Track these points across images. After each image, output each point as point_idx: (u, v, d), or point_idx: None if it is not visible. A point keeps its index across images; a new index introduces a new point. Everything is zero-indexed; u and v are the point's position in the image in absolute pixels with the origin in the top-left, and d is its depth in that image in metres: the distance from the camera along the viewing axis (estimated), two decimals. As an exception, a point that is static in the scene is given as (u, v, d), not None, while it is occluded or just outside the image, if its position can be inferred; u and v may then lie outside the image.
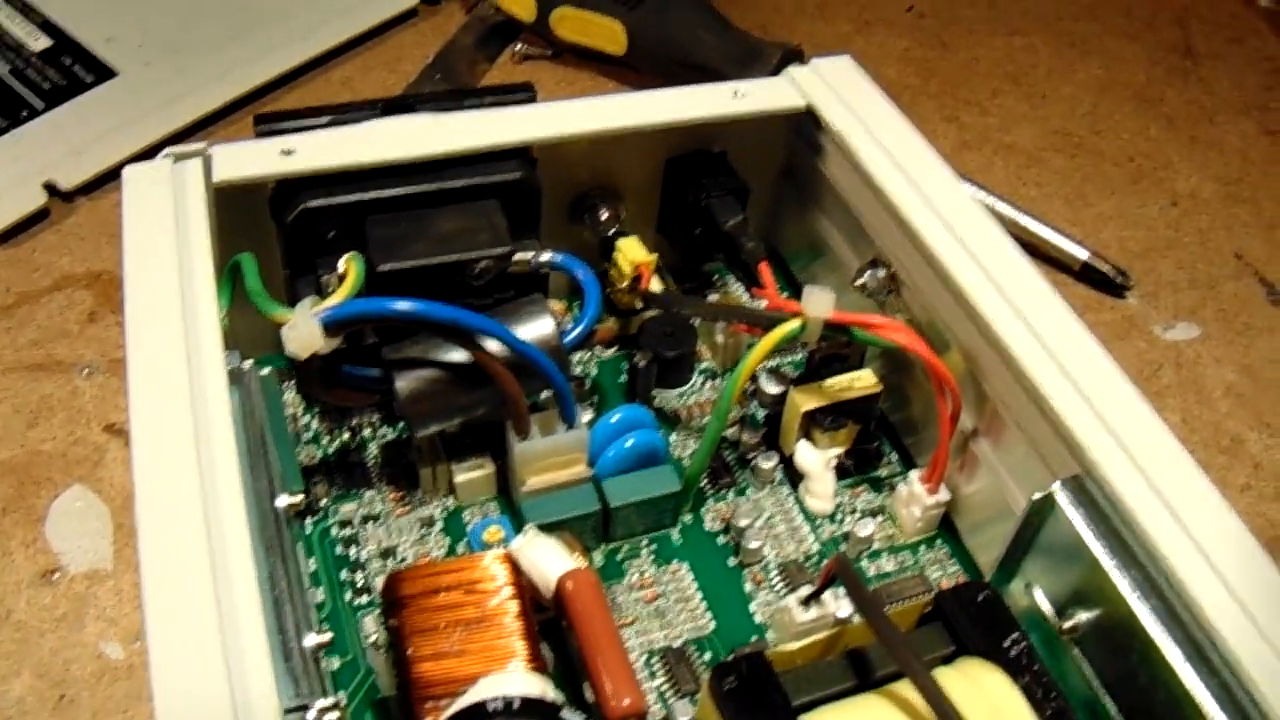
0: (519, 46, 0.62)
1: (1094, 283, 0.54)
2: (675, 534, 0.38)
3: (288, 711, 0.25)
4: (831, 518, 0.39)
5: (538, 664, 0.30)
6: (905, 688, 0.29)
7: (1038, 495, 0.32)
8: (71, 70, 0.57)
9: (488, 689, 0.29)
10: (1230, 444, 0.48)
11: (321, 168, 0.37)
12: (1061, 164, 0.60)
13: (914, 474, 0.38)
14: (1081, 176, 0.60)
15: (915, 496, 0.38)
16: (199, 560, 0.27)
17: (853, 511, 0.39)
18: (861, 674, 0.30)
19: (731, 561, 0.38)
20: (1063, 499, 0.32)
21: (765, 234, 0.46)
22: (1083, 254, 0.52)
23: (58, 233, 0.51)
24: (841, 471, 0.40)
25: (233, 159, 0.37)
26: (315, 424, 0.41)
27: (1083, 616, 0.32)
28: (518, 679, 0.29)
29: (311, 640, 0.29)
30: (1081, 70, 0.67)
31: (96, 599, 0.39)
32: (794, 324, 0.36)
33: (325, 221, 0.37)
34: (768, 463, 0.40)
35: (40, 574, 0.39)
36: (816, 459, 0.39)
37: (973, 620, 0.31)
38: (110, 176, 0.52)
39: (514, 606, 0.31)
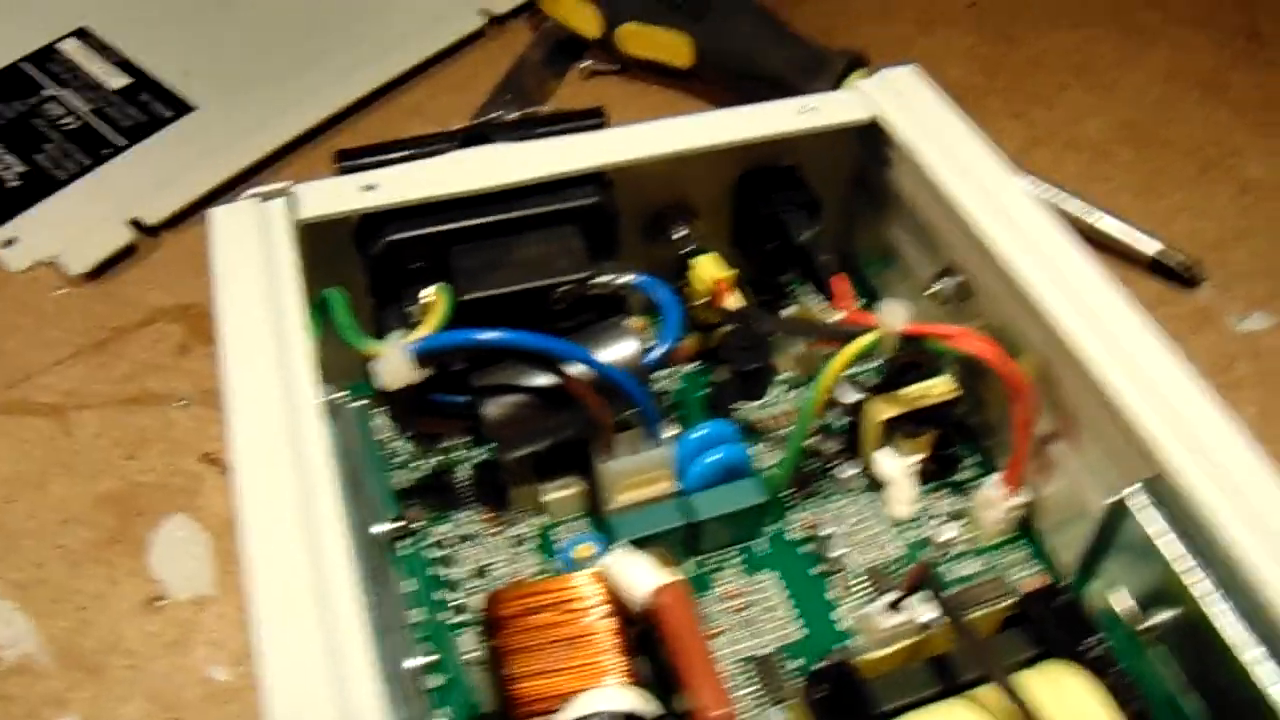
0: (586, 63, 0.62)
1: (1165, 275, 0.53)
2: (761, 545, 0.39)
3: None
4: (914, 523, 0.40)
5: (633, 678, 0.31)
6: (989, 692, 0.29)
7: (1111, 499, 0.32)
8: (150, 107, 0.58)
9: (586, 705, 0.30)
10: (1311, 435, 0.48)
11: (403, 201, 0.38)
12: (1130, 156, 0.60)
13: (993, 477, 0.39)
14: (1150, 168, 0.59)
15: (995, 500, 0.39)
16: (303, 588, 0.28)
17: (934, 516, 0.40)
18: (946, 679, 0.30)
19: (815, 570, 0.38)
20: (1135, 503, 0.32)
21: (839, 243, 0.46)
22: (1153, 247, 0.52)
23: (145, 267, 0.53)
24: (923, 477, 0.40)
25: (317, 197, 0.38)
26: (408, 449, 0.42)
27: (1161, 617, 0.32)
28: (614, 694, 0.30)
29: (415, 662, 0.30)
30: (1147, 59, 0.67)
31: (202, 624, 0.40)
32: (870, 337, 0.36)
33: (409, 253, 0.38)
34: (848, 471, 0.40)
35: (146, 601, 0.41)
36: (897, 466, 0.39)
37: (1054, 623, 0.32)
38: (193, 210, 0.53)
39: (608, 624, 0.32)
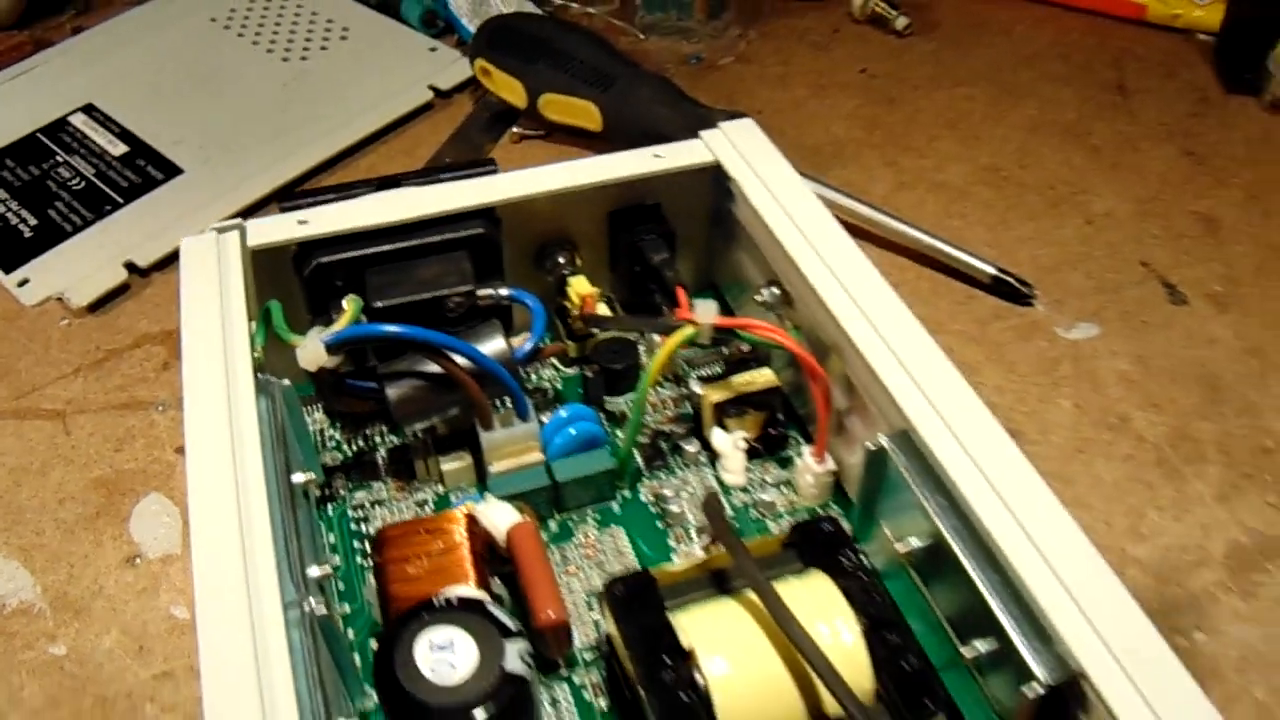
0: (516, 129, 0.73)
1: (1003, 294, 0.62)
2: (615, 506, 0.48)
3: (287, 605, 0.35)
4: (744, 489, 0.49)
5: (482, 586, 0.40)
6: (752, 594, 0.38)
7: (872, 446, 0.41)
8: (145, 170, 0.69)
9: (442, 594, 0.39)
10: (1117, 422, 0.57)
11: (329, 232, 0.48)
12: (988, 196, 0.69)
13: (806, 449, 0.48)
14: (1005, 205, 0.69)
15: (808, 467, 0.47)
16: (230, 516, 0.37)
17: (761, 483, 0.49)
18: (721, 584, 0.39)
19: (660, 524, 0.47)
20: (890, 448, 0.41)
21: (703, 272, 0.56)
22: (990, 269, 0.61)
23: (137, 301, 0.63)
24: (753, 452, 0.49)
25: (261, 229, 0.48)
26: (338, 435, 0.51)
27: (914, 544, 0.41)
28: (461, 589, 0.39)
29: (315, 571, 0.39)
30: (1015, 113, 0.76)
31: (169, 576, 0.50)
32: (688, 330, 0.45)
33: (334, 273, 0.48)
34: (691, 447, 0.49)
35: (125, 559, 0.50)
36: (727, 441, 0.48)
37: (818, 545, 0.40)
38: (178, 255, 0.63)
39: (468, 547, 0.41)
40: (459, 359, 0.45)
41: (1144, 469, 0.55)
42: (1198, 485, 0.54)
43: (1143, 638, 0.34)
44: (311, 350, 0.43)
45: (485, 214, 0.50)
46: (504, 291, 0.48)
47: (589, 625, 0.44)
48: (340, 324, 0.45)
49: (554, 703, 0.41)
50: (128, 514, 0.52)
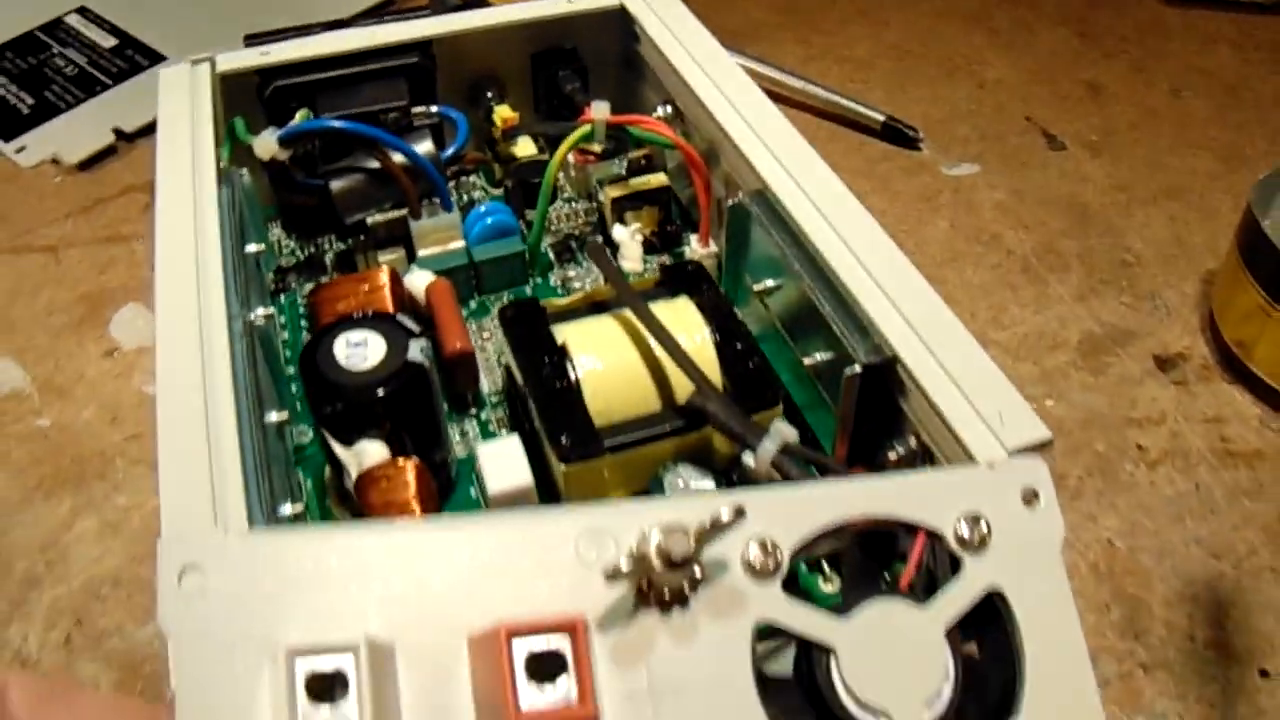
0: None
1: (894, 140, 0.70)
2: (528, 289, 0.55)
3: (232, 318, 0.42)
4: (641, 274, 0.56)
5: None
6: (626, 313, 0.45)
7: (732, 202, 0.48)
8: (133, 59, 0.77)
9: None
10: (989, 238, 0.64)
11: (286, 59, 0.55)
12: (889, 67, 0.76)
13: (694, 237, 0.55)
14: (904, 75, 0.76)
15: (695, 250, 0.55)
16: (188, 261, 0.43)
17: (656, 270, 0.56)
18: (600, 308, 0.47)
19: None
20: (747, 202, 0.48)
21: (618, 107, 0.63)
22: (880, 116, 0.68)
23: (123, 161, 0.71)
24: (650, 246, 0.56)
25: (229, 59, 0.55)
26: (293, 243, 0.59)
27: (769, 283, 0.48)
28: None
29: (260, 310, 0.46)
30: (924, 2, 0.83)
31: (141, 364, 0.57)
32: (585, 128, 0.53)
33: (290, 96, 0.55)
34: (596, 239, 0.57)
35: (105, 352, 0.58)
36: (625, 233, 0.56)
37: (684, 280, 0.48)
38: (160, 124, 0.71)
39: (390, 289, 0.48)
40: (393, 155, 0.53)
41: (1010, 274, 0.62)
42: (1059, 288, 0.61)
43: (948, 328, 0.40)
44: (266, 141, 0.51)
45: (421, 46, 0.57)
46: (434, 109, 0.56)
47: (497, 375, 0.51)
48: (292, 123, 0.52)
49: (463, 433, 0.48)
50: (108, 318, 0.60)
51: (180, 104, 0.52)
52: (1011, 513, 0.33)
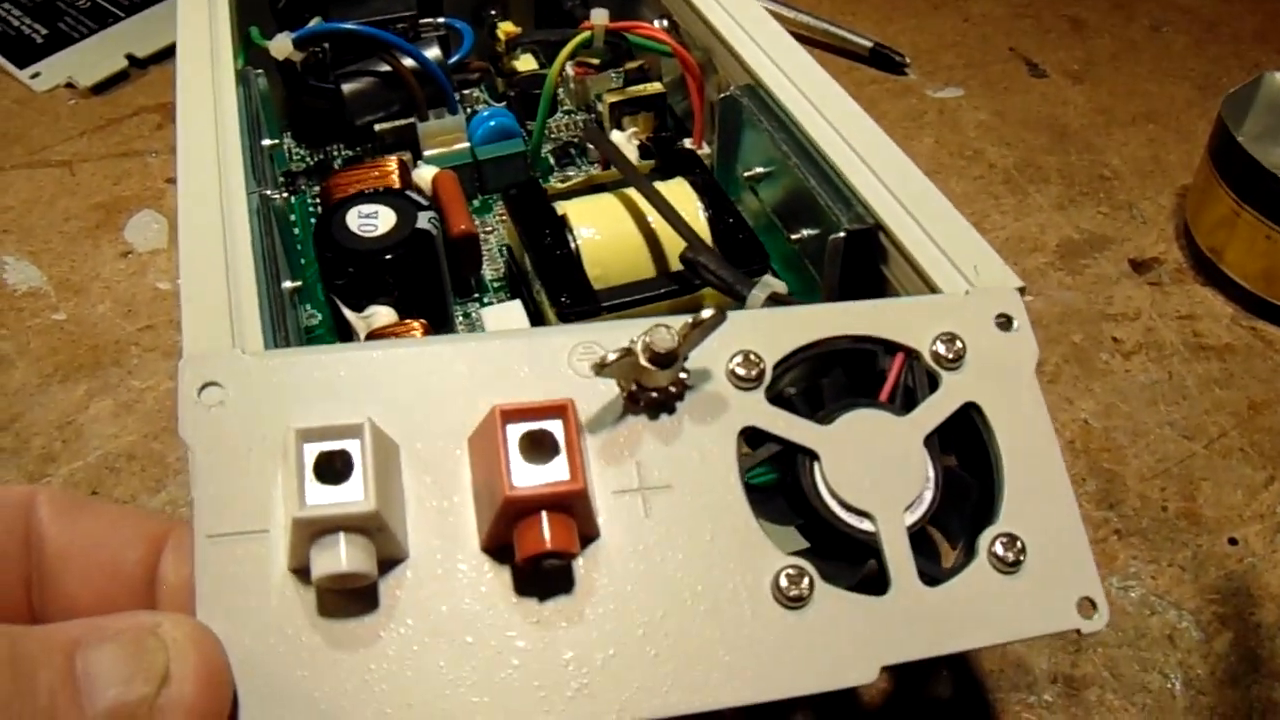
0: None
1: (881, 66, 0.72)
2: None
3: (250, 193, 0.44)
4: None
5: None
6: (630, 191, 0.48)
7: (722, 95, 0.51)
8: (145, -8, 0.79)
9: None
10: (972, 154, 0.66)
11: (297, -34, 0.57)
12: (877, 1, 0.79)
13: (687, 139, 0.57)
14: (891, 7, 0.78)
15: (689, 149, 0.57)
16: (209, 144, 0.45)
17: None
18: (598, 190, 0.49)
19: (566, 200, 0.57)
20: (738, 94, 0.50)
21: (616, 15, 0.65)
22: (868, 43, 0.71)
23: (136, 85, 0.73)
24: (646, 151, 0.59)
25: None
26: (303, 150, 0.61)
27: (759, 170, 0.50)
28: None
29: (273, 192, 0.48)
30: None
31: (155, 263, 0.59)
32: (585, 34, 0.55)
33: (303, 7, 0.58)
34: (592, 146, 0.59)
35: (120, 254, 0.60)
36: (621, 137, 0.58)
37: (678, 163, 0.50)
38: (170, 52, 0.73)
39: (398, 175, 0.50)
40: (403, 59, 0.55)
41: (992, 185, 0.64)
42: (1038, 198, 0.64)
43: (927, 196, 0.43)
44: (281, 42, 0.53)
45: (428, -38, 0.60)
46: (440, 20, 0.58)
47: (499, 265, 0.53)
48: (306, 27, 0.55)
49: (466, 315, 0.51)
50: (123, 224, 0.62)
51: (199, 12, 0.54)
52: (987, 334, 0.35)
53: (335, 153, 0.60)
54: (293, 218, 0.55)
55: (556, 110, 0.63)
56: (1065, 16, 0.79)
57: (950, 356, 0.34)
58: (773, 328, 0.34)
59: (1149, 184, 0.65)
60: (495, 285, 0.52)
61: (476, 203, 0.57)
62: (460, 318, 0.50)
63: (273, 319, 0.38)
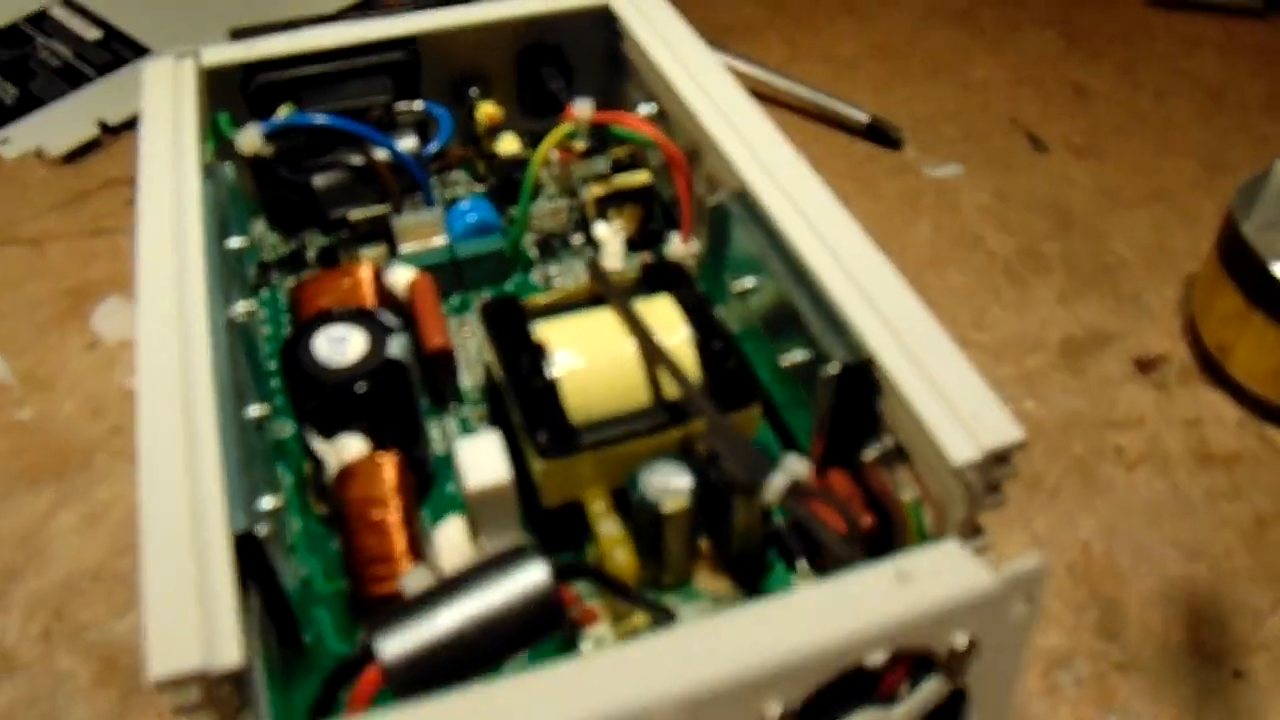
0: None
1: (877, 141, 0.70)
2: (510, 286, 0.55)
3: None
4: (622, 272, 0.56)
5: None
6: (606, 310, 0.45)
7: (714, 201, 0.48)
8: (118, 51, 0.77)
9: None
10: (972, 241, 0.64)
11: (271, 55, 0.55)
12: (873, 68, 0.77)
13: (675, 234, 0.55)
14: (889, 75, 0.76)
15: (676, 248, 0.55)
16: (169, 257, 0.43)
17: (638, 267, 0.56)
18: (579, 305, 0.47)
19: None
20: (728, 203, 0.48)
21: (605, 106, 0.63)
22: (864, 117, 0.69)
23: (108, 154, 0.70)
24: (632, 244, 0.57)
25: (214, 53, 0.55)
26: (274, 239, 0.59)
27: (748, 284, 0.48)
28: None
29: (240, 306, 0.46)
30: (912, 1, 0.84)
31: (124, 358, 0.57)
32: (568, 125, 0.53)
33: (274, 92, 0.56)
34: (577, 240, 0.57)
35: (86, 345, 0.58)
36: (606, 230, 0.56)
37: (664, 278, 0.48)
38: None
39: (371, 285, 0.48)
40: (376, 152, 0.53)
41: (992, 277, 0.62)
42: (1041, 290, 0.61)
43: (925, 329, 0.40)
44: (250, 136, 0.51)
45: (406, 43, 0.57)
46: (418, 106, 0.56)
47: (478, 372, 0.51)
48: (275, 118, 0.52)
49: (443, 431, 0.49)
50: (90, 313, 0.60)
51: (163, 98, 0.52)
52: (1003, 627, 0.33)
53: (309, 241, 0.58)
54: (264, 314, 0.53)
55: (539, 195, 0.60)
56: (1069, 82, 0.76)
57: (963, 660, 0.32)
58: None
59: (1155, 273, 0.63)
60: (474, 397, 0.50)
61: (455, 300, 0.55)
62: (436, 434, 0.48)
63: (237, 476, 0.36)
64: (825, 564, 0.43)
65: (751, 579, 0.43)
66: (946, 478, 0.38)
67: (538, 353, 0.44)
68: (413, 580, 0.34)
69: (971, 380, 0.39)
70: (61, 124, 0.70)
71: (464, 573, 0.34)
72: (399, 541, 0.38)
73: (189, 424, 0.37)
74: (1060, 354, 0.57)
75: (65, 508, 0.50)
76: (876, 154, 0.69)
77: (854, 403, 0.42)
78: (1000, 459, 0.37)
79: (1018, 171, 0.68)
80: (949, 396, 0.39)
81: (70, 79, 0.73)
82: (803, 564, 0.43)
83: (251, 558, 0.36)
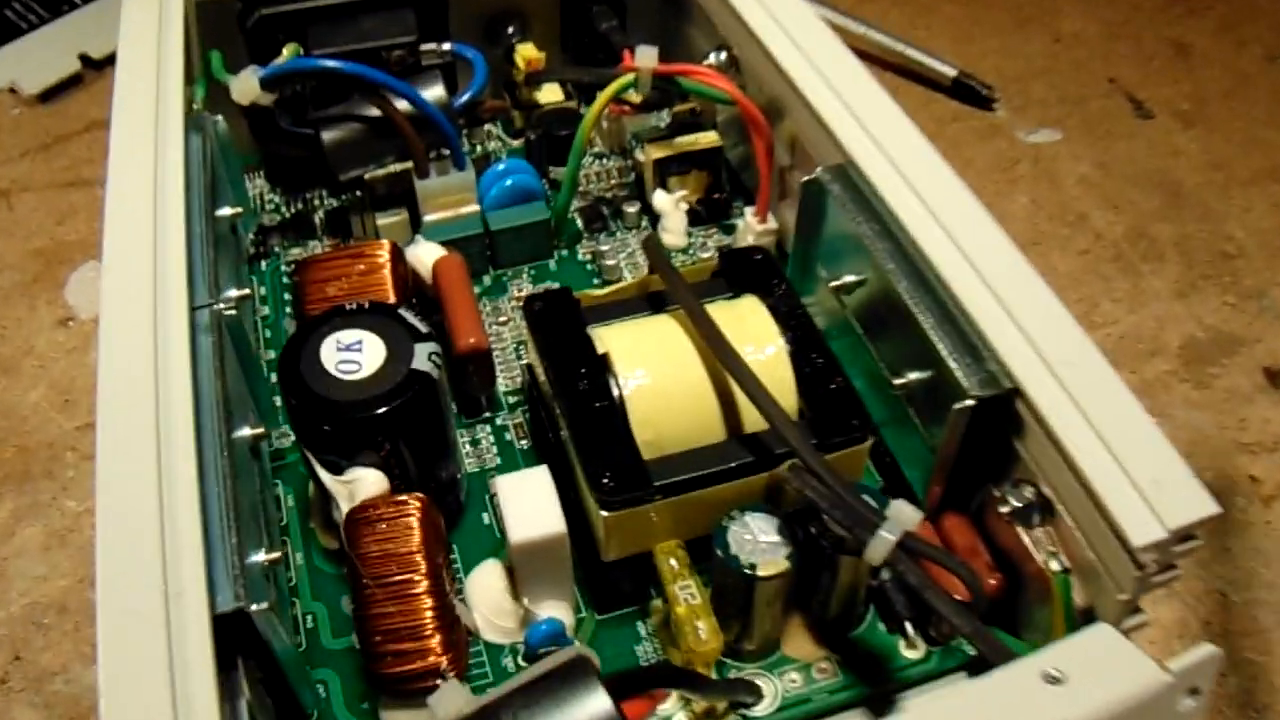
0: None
1: (964, 98, 0.61)
2: (552, 264, 0.47)
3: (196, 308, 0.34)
4: (684, 251, 0.48)
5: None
6: (679, 313, 0.37)
7: (806, 177, 0.40)
8: (104, -25, 0.68)
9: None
10: (1076, 219, 0.56)
11: (272, -15, 0.47)
12: (953, 11, 0.68)
13: (749, 210, 0.47)
14: (971, 21, 0.67)
15: (750, 226, 0.47)
16: (143, 281, 0.35)
17: (704, 245, 0.48)
18: (646, 308, 0.38)
19: (596, 283, 0.46)
20: (825, 179, 0.40)
21: (662, 52, 0.54)
22: (951, 71, 0.60)
23: (90, 92, 0.62)
24: (695, 217, 0.48)
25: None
26: (277, 197, 0.50)
27: (849, 279, 0.40)
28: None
29: (233, 291, 0.38)
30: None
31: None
32: (628, 77, 0.44)
33: (277, 26, 0.47)
34: (631, 209, 0.49)
35: (58, 321, 0.50)
36: (667, 200, 0.48)
37: (747, 271, 0.39)
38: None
39: (390, 269, 0.40)
40: (397, 102, 0.44)
41: (1100, 263, 0.54)
42: (1154, 281, 0.53)
43: (1086, 357, 0.32)
44: (246, 82, 0.43)
45: (432, -28, 0.49)
46: (446, 46, 0.47)
47: (515, 372, 0.43)
48: (277, 62, 0.44)
49: (474, 443, 0.41)
50: (64, 280, 0.51)
51: (145, 30, 0.44)
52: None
53: (316, 202, 0.50)
54: (262, 291, 0.45)
55: (585, 154, 0.52)
56: (1168, 39, 0.68)
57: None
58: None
59: (1278, 263, 0.54)
60: (511, 402, 0.42)
61: (487, 279, 0.47)
62: (467, 447, 0.40)
63: (221, 529, 0.29)
64: (939, 630, 0.35)
65: (843, 633, 0.36)
66: (1115, 554, 0.30)
67: (598, 367, 0.36)
68: (444, 702, 0.26)
69: (1147, 431, 0.31)
70: (39, 57, 0.61)
71: (507, 697, 0.26)
72: (427, 616, 0.30)
73: (162, 464, 0.29)
74: (1181, 360, 0.49)
75: (27, 522, 0.42)
76: (964, 114, 0.61)
77: (987, 440, 0.34)
78: (1185, 537, 0.30)
79: (1119, 139, 0.60)
80: (1119, 451, 0.31)
81: (49, 6, 0.64)
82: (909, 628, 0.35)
83: (241, 635, 0.29)
